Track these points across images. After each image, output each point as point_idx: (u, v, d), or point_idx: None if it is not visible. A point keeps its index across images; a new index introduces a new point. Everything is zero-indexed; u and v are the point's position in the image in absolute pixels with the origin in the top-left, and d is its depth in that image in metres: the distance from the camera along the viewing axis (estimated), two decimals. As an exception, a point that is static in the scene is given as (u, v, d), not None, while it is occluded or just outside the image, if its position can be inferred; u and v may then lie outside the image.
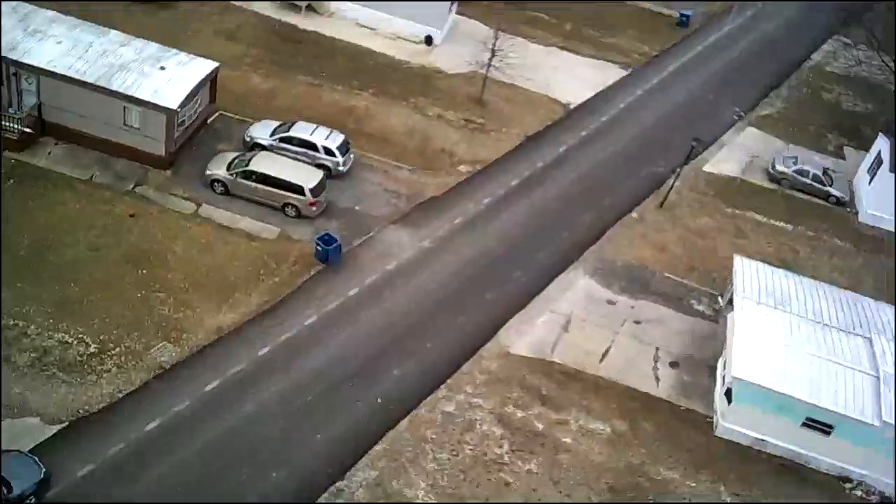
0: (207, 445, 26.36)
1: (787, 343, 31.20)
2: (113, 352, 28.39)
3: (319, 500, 25.74)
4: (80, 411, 26.46)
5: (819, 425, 29.69)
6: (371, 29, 47.78)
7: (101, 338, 28.69)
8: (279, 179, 34.39)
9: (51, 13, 36.24)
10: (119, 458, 25.46)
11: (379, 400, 29.07)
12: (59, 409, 26.31)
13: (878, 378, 30.20)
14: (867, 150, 47.06)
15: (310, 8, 47.56)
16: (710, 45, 55.27)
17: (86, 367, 27.70)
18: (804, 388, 29.60)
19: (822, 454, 30.23)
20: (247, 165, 34.77)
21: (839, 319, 32.81)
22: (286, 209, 34.89)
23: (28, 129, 34.28)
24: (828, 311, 33.15)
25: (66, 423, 26.04)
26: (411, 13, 47.19)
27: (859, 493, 30.21)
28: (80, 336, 28.58)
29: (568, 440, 29.33)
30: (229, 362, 28.92)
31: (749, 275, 34.23)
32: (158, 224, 33.31)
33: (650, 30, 55.59)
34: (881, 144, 44.29)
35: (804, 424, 29.83)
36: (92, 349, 28.27)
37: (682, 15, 56.41)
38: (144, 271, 31.36)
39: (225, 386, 28.17)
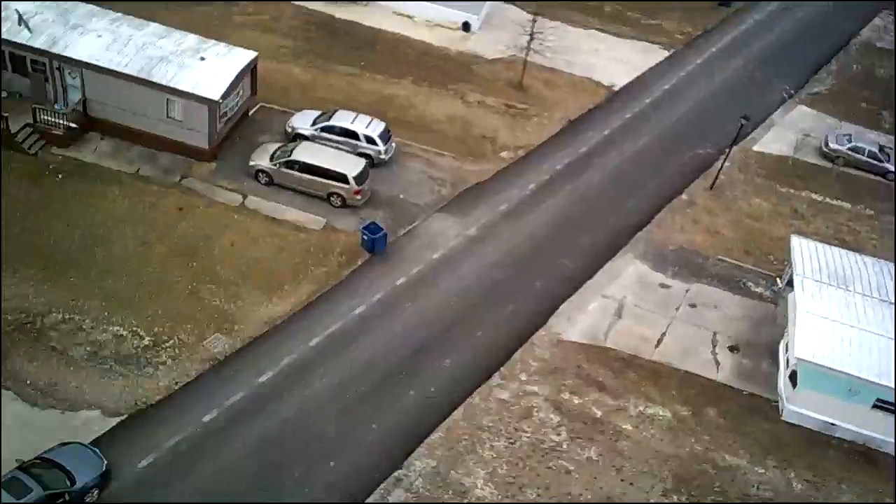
0: (264, 437, 26.00)
1: (852, 323, 30.06)
2: (167, 344, 28.15)
3: (380, 488, 25.21)
4: (138, 403, 26.23)
5: (890, 406, 28.54)
6: (408, 17, 47.23)
7: (154, 330, 28.47)
8: (323, 168, 33.96)
9: (90, 6, 36.12)
10: (178, 450, 25.23)
11: (432, 389, 28.50)
12: (118, 402, 26.13)
13: (949, 356, 28.99)
14: (925, 124, 45.62)
15: (346, -3, 47.13)
16: (753, 24, 53.86)
17: (141, 359, 27.52)
18: (873, 369, 28.47)
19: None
20: (290, 155, 34.38)
21: (904, 298, 31.60)
22: (331, 199, 34.45)
23: (73, 125, 34.18)
24: (892, 287, 31.91)
25: (125, 416, 25.83)
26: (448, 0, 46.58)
27: (935, 477, 29.02)
28: (134, 329, 28.39)
29: (628, 427, 28.53)
30: (281, 353, 28.54)
31: (808, 254, 33.08)
32: (206, 217, 33.04)
33: (691, 10, 54.29)
34: (939, 118, 42.78)
35: (875, 406, 28.71)
36: (146, 342, 28.07)
37: (723, -7, 55.09)
38: (194, 264, 31.10)
39: (278, 377, 27.80)
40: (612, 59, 47.82)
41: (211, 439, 25.67)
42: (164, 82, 33.60)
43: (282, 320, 29.76)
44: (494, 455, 26.85)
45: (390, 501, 24.99)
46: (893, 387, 28.02)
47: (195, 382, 27.22)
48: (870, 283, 32.03)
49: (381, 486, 25.45)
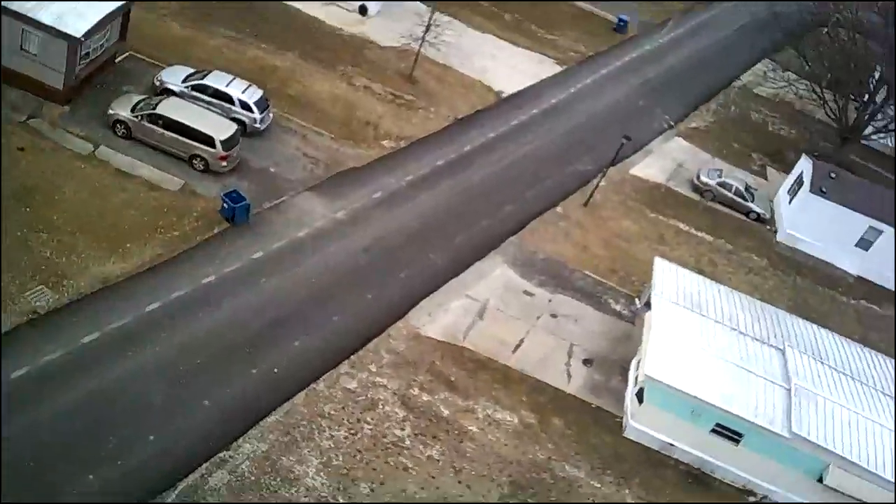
0: (78, 403, 23.64)
1: (702, 347, 30.53)
2: (-20, 291, 25.35)
3: (200, 470, 23.34)
4: (-66, 353, 23.44)
5: (728, 433, 28.99)
6: (304, -9, 45.45)
7: (-33, 275, 25.60)
8: (188, 127, 31.78)
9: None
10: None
11: (276, 371, 26.86)
12: None
13: (788, 390, 29.76)
14: (789, 172, 47.43)
15: (240, -38, 44.84)
16: (644, 52, 54.97)
17: (-54, 305, 24.63)
18: (716, 393, 28.88)
19: (730, 464, 29.53)
20: (154, 109, 32.02)
21: (754, 329, 32.37)
22: (193, 161, 32.29)
23: None
24: (744, 319, 32.68)
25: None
26: (347, -20, 45.22)
27: (762, 506, 29.70)
28: (-57, 272, 25.45)
29: (473, 429, 27.77)
30: (112, 315, 26.21)
31: (668, 277, 33.55)
32: (49, 161, 30.26)
33: (588, 31, 55.02)
34: (804, 165, 44.62)
35: (714, 431, 29.09)
36: (-44, 287, 25.19)
37: (619, 20, 56.07)
38: (28, 209, 28.30)
39: (104, 340, 25.47)
40: (506, 65, 47.62)
41: (16, 397, 23.09)
42: (22, 11, 30.58)
43: (119, 280, 27.41)
44: (332, 445, 25.46)
45: (210, 483, 23.14)
46: (734, 412, 28.45)
47: (9, 336, 24.51)
48: (723, 312, 32.68)
49: (204, 466, 23.59)
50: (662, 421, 29.36)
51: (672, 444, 29.70)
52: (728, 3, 64.28)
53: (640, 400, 29.55)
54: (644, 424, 29.62)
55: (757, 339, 31.82)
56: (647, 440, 29.74)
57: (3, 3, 30.53)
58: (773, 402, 29.20)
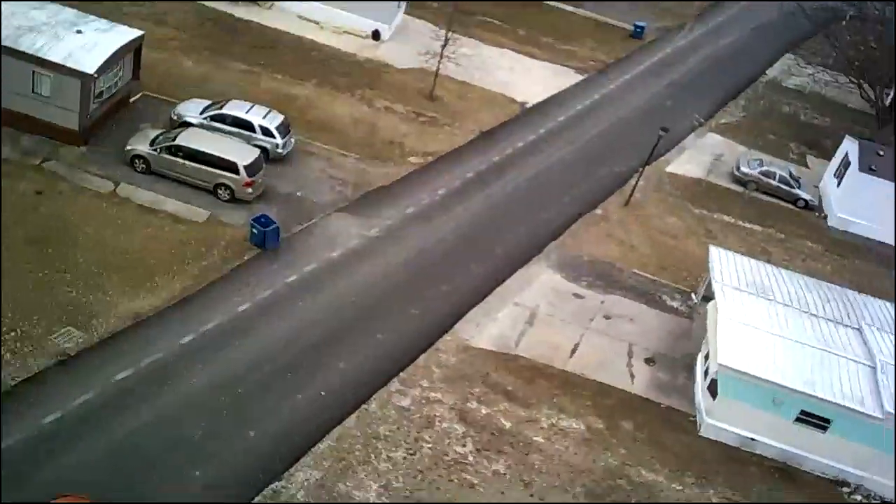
0: (116, 442, 21.95)
1: (775, 332, 28.42)
2: (6, 337, 23.85)
3: (254, 502, 21.49)
4: (-37, 400, 21.94)
5: (815, 420, 26.72)
6: (315, 22, 44.70)
7: (-8, 321, 24.21)
8: (210, 155, 30.58)
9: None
10: (10, 456, 20.86)
11: (323, 394, 25.09)
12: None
13: (874, 368, 27.51)
14: (829, 160, 45.59)
15: (248, -1, 44.40)
16: (665, 56, 53.75)
17: (-28, 352, 23.19)
18: (798, 378, 26.69)
19: (818, 454, 27.21)
20: (174, 140, 30.90)
21: (825, 310, 30.24)
22: (218, 191, 31.03)
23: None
24: (813, 301, 30.59)
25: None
26: (357, 7, 44.40)
27: (858, 497, 27.18)
28: (-33, 319, 24.07)
29: (539, 439, 25.73)
30: (145, 351, 24.62)
31: (727, 264, 31.59)
32: (69, 203, 29.07)
33: (604, 40, 53.88)
34: (848, 146, 42.75)
35: (798, 419, 26.84)
36: (-19, 333, 23.79)
37: (636, 26, 54.95)
38: (50, 251, 27.02)
39: (139, 376, 23.85)
40: (526, 77, 46.45)
41: (53, 443, 21.47)
42: (31, 51, 29.79)
43: (150, 315, 25.91)
44: (391, 467, 23.51)
45: (265, 516, 21.33)
46: (820, 396, 26.21)
47: (37, 379, 23.00)
48: (790, 295, 30.60)
49: (256, 499, 21.72)
50: (740, 414, 27.16)
51: (753, 439, 27.45)
52: (742, 2, 63.35)
53: (714, 394, 27.40)
54: (721, 420, 27.42)
55: (830, 320, 29.68)
56: (726, 436, 27.52)
57: (12, 45, 29.75)
58: (858, 382, 26.96)
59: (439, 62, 41.51)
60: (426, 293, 30.04)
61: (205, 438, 22.76)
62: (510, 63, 47.45)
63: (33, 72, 30.04)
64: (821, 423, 26.74)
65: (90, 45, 30.80)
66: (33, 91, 30.37)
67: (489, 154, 38.91)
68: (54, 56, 29.91)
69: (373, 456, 23.67)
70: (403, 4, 47.72)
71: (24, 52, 29.75)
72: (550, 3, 56.66)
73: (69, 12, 32.40)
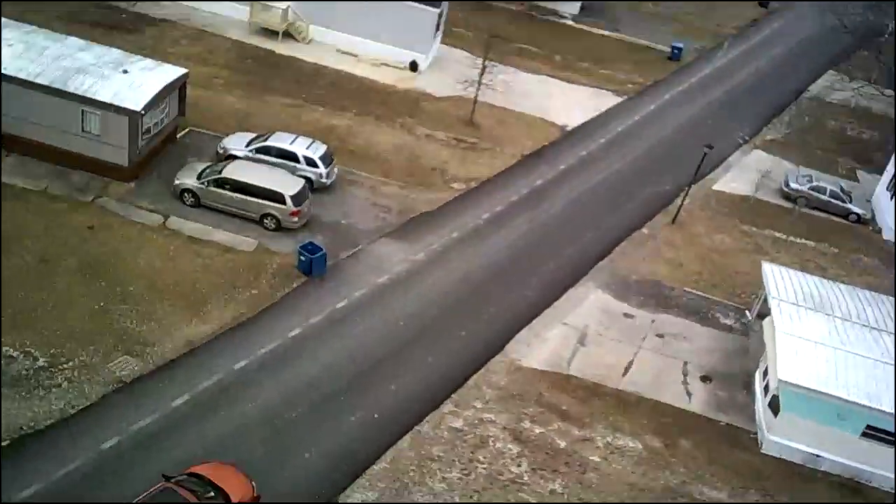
0: (175, 466, 21.88)
1: (836, 346, 27.61)
2: (65, 366, 24.12)
3: (309, 524, 21.34)
4: (24, 428, 22.07)
5: (882, 434, 25.79)
6: (352, 55, 45.32)
7: (51, 351, 24.45)
8: (257, 187, 30.91)
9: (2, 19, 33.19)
10: (70, 479, 21.00)
11: (376, 416, 24.89)
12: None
13: (941, 380, 26.54)
14: (880, 174, 44.69)
15: (287, 35, 45.11)
16: (704, 76, 53.56)
17: (32, 381, 23.40)
18: (862, 392, 25.84)
19: (886, 469, 26.21)
20: (220, 173, 31.31)
21: (886, 324, 29.34)
22: (265, 221, 31.29)
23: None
24: (872, 314, 29.71)
25: (8, 442, 21.68)
26: (394, 39, 44.94)
27: (932, 513, 26.10)
28: (27, 350, 24.33)
29: (595, 458, 25.18)
30: (201, 376, 24.74)
31: (781, 280, 30.89)
32: (120, 236, 29.50)
33: (642, 63, 53.85)
34: (900, 158, 41.89)
35: (864, 434, 25.92)
36: (41, 363, 24.02)
37: (673, 48, 54.86)
38: (103, 283, 27.37)
39: (195, 401, 23.93)
40: (565, 101, 46.51)
41: (109, 469, 21.55)
42: (79, 92, 30.52)
43: (204, 342, 26.05)
44: (446, 487, 23.17)
45: (322, 538, 21.07)
46: (887, 409, 25.32)
47: (96, 407, 23.17)
48: (848, 308, 29.79)
49: (313, 521, 21.56)
50: (804, 430, 26.34)
51: (818, 456, 26.55)
52: (779, 22, 63.07)
53: (776, 410, 26.62)
54: (783, 436, 26.61)
55: (891, 333, 28.76)
56: (789, 453, 26.68)
57: (61, 87, 30.51)
58: (927, 394, 25.99)
59: (478, 88, 41.74)
60: (474, 315, 29.81)
61: (262, 460, 22.65)
62: (548, 88, 47.57)
63: (82, 111, 30.74)
64: (888, 438, 25.78)
65: (136, 83, 31.45)
66: (83, 130, 31.05)
67: (532, 177, 38.83)
68: (102, 95, 30.58)
69: (427, 477, 23.34)
70: (440, 34, 48.18)
71: (72, 93, 30.43)
72: (585, 28, 56.85)
73: (115, 53, 33.17)
